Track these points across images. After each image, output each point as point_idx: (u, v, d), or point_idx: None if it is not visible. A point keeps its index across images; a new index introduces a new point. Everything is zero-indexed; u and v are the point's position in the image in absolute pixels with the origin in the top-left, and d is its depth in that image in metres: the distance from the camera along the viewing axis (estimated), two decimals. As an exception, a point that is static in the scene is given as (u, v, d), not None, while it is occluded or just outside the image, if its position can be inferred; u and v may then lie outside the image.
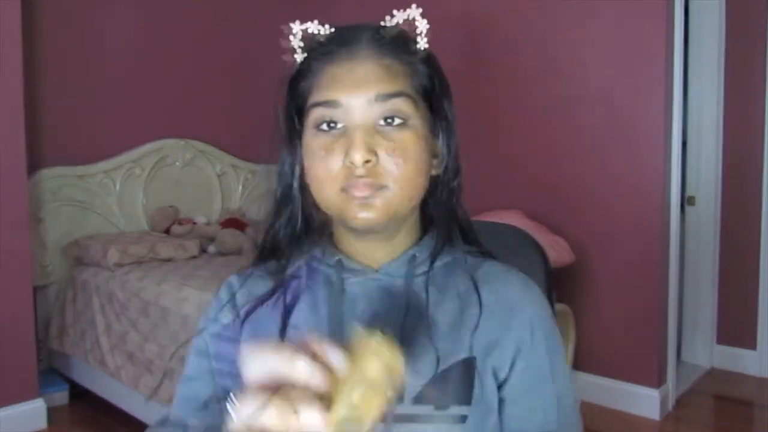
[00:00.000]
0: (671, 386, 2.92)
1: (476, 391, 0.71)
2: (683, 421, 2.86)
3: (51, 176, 3.05)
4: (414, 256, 0.75)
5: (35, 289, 2.87)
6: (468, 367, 0.72)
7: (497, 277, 0.77)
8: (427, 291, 0.74)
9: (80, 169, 3.16)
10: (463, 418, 0.70)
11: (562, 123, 3.00)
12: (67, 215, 3.12)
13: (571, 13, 2.94)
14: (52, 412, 2.80)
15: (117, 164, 3.29)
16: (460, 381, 0.71)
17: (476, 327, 0.73)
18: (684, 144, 3.16)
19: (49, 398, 2.83)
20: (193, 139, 3.56)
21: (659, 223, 2.79)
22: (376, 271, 0.75)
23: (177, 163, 3.50)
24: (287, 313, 0.75)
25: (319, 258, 0.77)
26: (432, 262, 0.76)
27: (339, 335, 0.71)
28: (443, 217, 0.79)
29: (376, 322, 0.73)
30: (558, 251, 2.74)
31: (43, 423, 2.74)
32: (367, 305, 0.74)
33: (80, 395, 2.97)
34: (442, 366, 0.71)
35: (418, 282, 0.75)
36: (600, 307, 2.82)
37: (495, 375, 0.73)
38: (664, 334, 2.85)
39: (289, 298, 0.75)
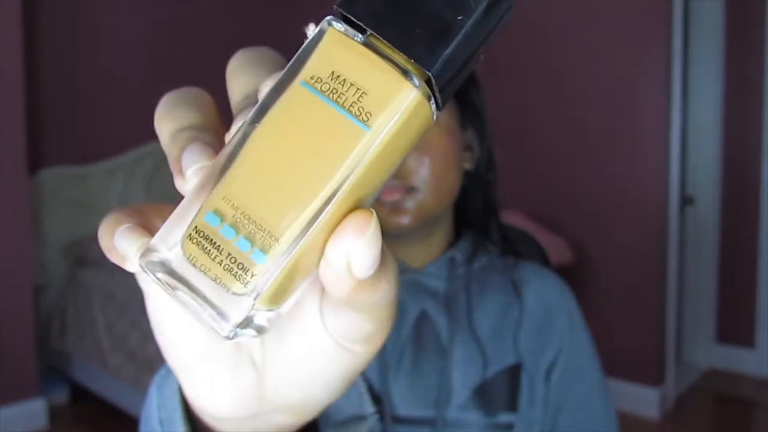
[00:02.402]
0: (671, 385, 2.92)
1: (523, 398, 0.70)
2: (682, 421, 2.86)
3: (51, 176, 3.05)
4: (453, 259, 0.74)
5: (35, 289, 2.87)
6: (514, 373, 0.71)
7: (535, 278, 0.77)
8: (467, 294, 0.73)
9: (80, 169, 3.16)
10: (510, 426, 0.69)
11: (561, 123, 3.00)
12: (67, 215, 3.12)
13: (570, 14, 2.94)
14: (52, 412, 2.80)
15: (118, 164, 3.29)
16: (507, 387, 0.70)
17: (520, 330, 0.72)
18: (684, 144, 3.16)
19: (49, 398, 2.84)
20: (194, 139, 3.56)
21: (659, 223, 2.79)
22: (417, 271, 0.74)
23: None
24: None
25: None
26: (469, 264, 0.74)
27: None
28: (480, 213, 0.77)
29: (423, 320, 0.72)
30: (557, 251, 2.75)
31: (43, 422, 2.74)
32: (412, 304, 0.72)
33: (81, 395, 2.97)
34: (490, 371, 0.70)
35: (458, 284, 0.73)
36: (599, 307, 2.82)
37: (546, 375, 0.73)
38: (664, 334, 2.85)
39: None
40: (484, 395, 0.69)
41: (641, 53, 2.77)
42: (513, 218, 2.72)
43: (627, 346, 2.82)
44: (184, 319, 0.25)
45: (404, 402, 0.69)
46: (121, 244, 0.21)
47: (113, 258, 0.22)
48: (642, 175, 2.81)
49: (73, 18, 3.15)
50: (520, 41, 3.08)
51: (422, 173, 0.67)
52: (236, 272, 0.19)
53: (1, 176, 2.63)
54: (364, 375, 0.69)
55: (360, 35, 0.19)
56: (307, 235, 0.19)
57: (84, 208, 3.18)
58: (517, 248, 0.81)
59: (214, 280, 0.19)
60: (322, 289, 0.24)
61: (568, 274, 2.88)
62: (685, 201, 3.25)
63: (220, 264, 0.19)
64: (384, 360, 0.69)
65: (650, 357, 2.84)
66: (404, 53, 0.18)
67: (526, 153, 3.07)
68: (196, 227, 0.19)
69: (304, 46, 0.19)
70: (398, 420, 0.69)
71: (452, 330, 0.70)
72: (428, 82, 0.19)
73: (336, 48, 0.19)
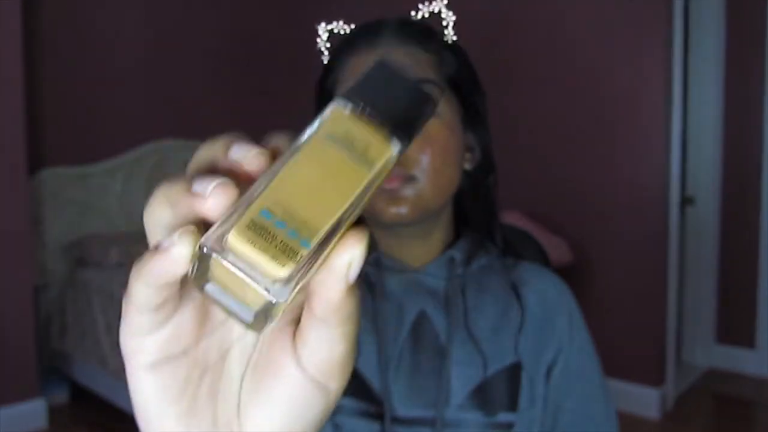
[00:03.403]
0: (671, 385, 2.92)
1: (523, 397, 0.70)
2: (682, 421, 2.87)
3: (51, 176, 3.05)
4: (453, 258, 0.74)
5: (35, 289, 2.87)
6: (514, 373, 0.71)
7: (534, 278, 0.77)
8: (464, 294, 0.73)
9: (81, 169, 3.16)
10: (509, 426, 0.69)
11: (561, 124, 3.00)
12: (67, 215, 3.12)
13: (570, 16, 2.94)
14: (52, 412, 2.80)
15: (118, 164, 3.30)
16: (507, 387, 0.70)
17: (520, 330, 0.72)
18: (684, 144, 3.16)
19: (49, 398, 2.84)
20: (194, 139, 3.56)
21: (659, 223, 2.79)
22: (416, 270, 0.74)
23: (177, 163, 3.50)
24: None
25: None
26: (468, 264, 0.74)
27: (383, 334, 0.70)
28: (479, 214, 0.77)
29: (422, 320, 0.71)
30: (557, 251, 2.75)
31: (43, 422, 2.74)
32: (411, 304, 0.72)
33: (81, 395, 2.98)
34: (489, 371, 0.70)
35: (457, 284, 0.73)
36: (600, 307, 2.82)
37: (546, 375, 0.73)
38: (664, 334, 2.86)
39: None
40: (483, 395, 0.69)
41: (641, 53, 2.77)
42: (513, 218, 2.72)
43: (627, 347, 2.82)
44: (167, 394, 0.28)
45: (403, 402, 0.69)
46: (180, 248, 0.25)
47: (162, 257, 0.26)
48: (642, 176, 2.81)
49: (73, 18, 3.15)
50: (520, 42, 3.08)
51: (422, 163, 0.67)
52: (289, 253, 0.25)
53: (1, 176, 2.63)
54: (364, 375, 0.69)
55: (360, 110, 0.28)
56: (335, 232, 0.26)
57: (84, 208, 3.18)
58: (517, 250, 0.81)
59: (272, 257, 0.24)
60: (295, 329, 0.28)
61: (568, 274, 2.88)
62: (685, 201, 3.25)
63: (276, 247, 0.25)
64: (383, 360, 0.69)
65: (650, 357, 2.84)
66: (388, 128, 0.28)
67: (525, 154, 3.07)
68: (252, 219, 0.25)
69: (318, 118, 0.28)
70: (397, 420, 0.69)
71: (451, 330, 0.70)
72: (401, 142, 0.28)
73: (345, 119, 0.28)
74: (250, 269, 0.24)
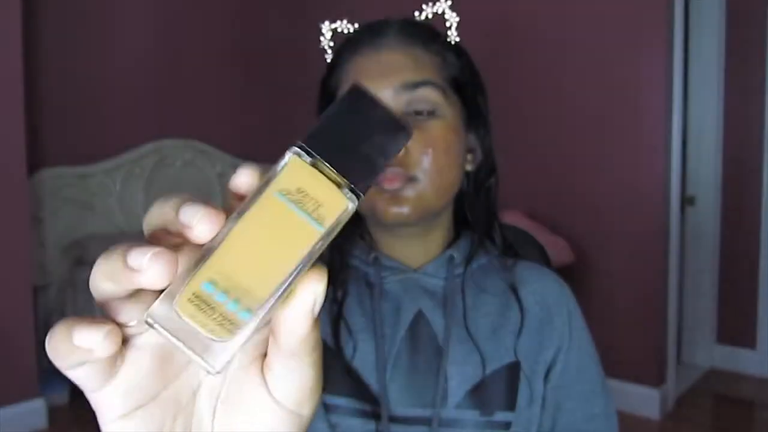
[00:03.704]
0: (671, 386, 2.92)
1: (521, 397, 0.70)
2: (683, 421, 2.86)
3: (51, 176, 3.05)
4: (452, 257, 0.74)
5: (35, 289, 2.87)
6: (512, 372, 0.70)
7: (533, 278, 0.77)
8: (463, 293, 0.73)
9: (80, 169, 3.16)
10: (507, 425, 0.69)
11: (561, 123, 3.00)
12: (67, 215, 3.12)
13: (570, 15, 2.94)
14: (52, 412, 2.80)
15: (117, 164, 3.29)
16: (505, 386, 0.70)
17: (520, 330, 0.72)
18: (684, 144, 3.16)
19: (49, 398, 2.83)
20: (193, 139, 3.56)
21: (659, 223, 2.79)
22: (415, 270, 0.74)
23: (177, 163, 3.50)
24: (339, 305, 0.72)
25: (357, 255, 0.75)
26: (468, 264, 0.74)
27: (381, 333, 0.70)
28: (479, 216, 0.77)
29: (420, 320, 0.71)
30: (557, 251, 2.75)
31: (43, 423, 2.74)
32: (409, 304, 0.72)
33: (81, 395, 2.96)
34: (488, 370, 0.69)
35: (456, 283, 0.73)
36: (600, 307, 2.82)
37: (545, 374, 0.73)
38: (664, 334, 2.85)
39: (339, 293, 0.73)
40: (480, 394, 0.69)
41: (641, 53, 2.77)
42: (513, 218, 2.72)
43: (628, 347, 2.82)
44: None
45: (401, 401, 0.69)
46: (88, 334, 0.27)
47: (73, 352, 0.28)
48: (642, 175, 2.80)
49: (73, 18, 3.15)
50: (520, 42, 3.08)
51: (424, 164, 0.67)
52: (227, 325, 0.25)
53: (1, 176, 2.63)
54: (361, 375, 0.69)
55: (317, 162, 0.27)
56: (277, 298, 0.26)
57: (84, 208, 3.18)
58: (517, 250, 0.81)
59: (210, 331, 0.25)
60: (262, 363, 0.30)
61: (569, 274, 2.87)
62: (686, 201, 3.24)
63: (215, 320, 0.25)
64: (381, 359, 0.69)
65: (651, 357, 2.84)
66: (346, 179, 0.27)
67: (526, 153, 3.07)
68: (193, 293, 0.25)
69: (275, 166, 0.27)
70: (395, 419, 0.68)
71: (448, 330, 0.70)
72: (357, 195, 0.28)
73: (300, 171, 0.27)
74: (189, 341, 0.26)
